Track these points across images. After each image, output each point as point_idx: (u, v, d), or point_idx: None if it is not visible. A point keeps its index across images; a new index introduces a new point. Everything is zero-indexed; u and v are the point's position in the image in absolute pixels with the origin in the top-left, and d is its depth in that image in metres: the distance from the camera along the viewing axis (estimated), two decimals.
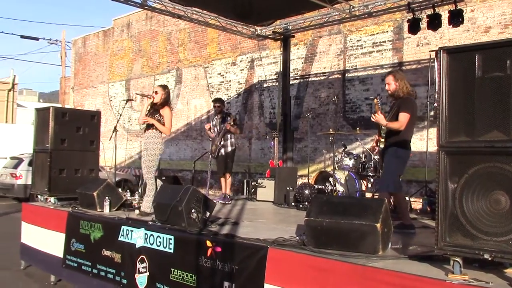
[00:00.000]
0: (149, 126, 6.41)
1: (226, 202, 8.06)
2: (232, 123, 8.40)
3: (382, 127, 5.70)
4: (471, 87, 3.17)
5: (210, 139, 8.75)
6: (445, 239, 3.18)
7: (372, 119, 5.55)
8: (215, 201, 6.02)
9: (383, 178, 5.70)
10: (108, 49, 22.96)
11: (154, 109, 6.46)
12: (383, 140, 5.80)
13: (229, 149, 8.58)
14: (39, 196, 7.53)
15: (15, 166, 14.83)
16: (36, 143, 7.60)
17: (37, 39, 27.75)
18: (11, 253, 7.78)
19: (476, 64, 3.15)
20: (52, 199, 7.18)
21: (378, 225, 3.75)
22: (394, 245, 4.14)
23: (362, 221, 3.83)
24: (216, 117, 8.78)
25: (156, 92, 6.45)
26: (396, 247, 4.12)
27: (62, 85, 26.82)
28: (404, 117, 5.37)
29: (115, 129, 8.33)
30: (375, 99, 5.79)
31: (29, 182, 9.63)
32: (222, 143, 8.52)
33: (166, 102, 6.51)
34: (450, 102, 3.24)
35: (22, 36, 27.16)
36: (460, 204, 3.15)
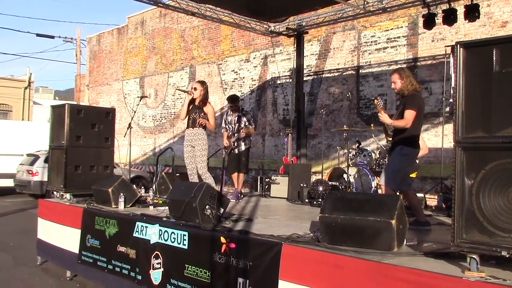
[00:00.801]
0: (195, 123, 6.74)
1: (236, 200, 8.03)
2: (246, 130, 8.41)
3: (388, 125, 5.67)
4: (488, 82, 3.13)
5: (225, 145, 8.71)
6: (461, 235, 3.15)
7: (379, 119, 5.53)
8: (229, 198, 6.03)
9: (384, 174, 5.59)
10: (122, 46, 23.09)
11: (196, 106, 6.74)
12: (390, 139, 5.76)
13: (243, 147, 8.55)
14: (54, 193, 7.59)
15: (32, 163, 15.00)
16: (52, 140, 7.67)
17: (52, 37, 28.04)
18: (27, 249, 7.87)
19: (494, 59, 3.10)
20: (67, 196, 7.24)
21: (393, 221, 3.72)
22: (410, 241, 4.11)
23: (377, 217, 3.80)
24: (230, 112, 8.70)
25: (195, 89, 6.69)
26: (412, 244, 4.09)
27: (77, 83, 27.02)
28: (409, 114, 5.30)
29: (129, 126, 8.38)
30: (375, 100, 5.73)
31: (45, 179, 9.73)
32: (236, 143, 8.49)
33: (206, 98, 6.83)
34: (467, 97, 3.20)
35: (38, 35, 27.45)
36: (477, 201, 3.11)
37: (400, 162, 5.48)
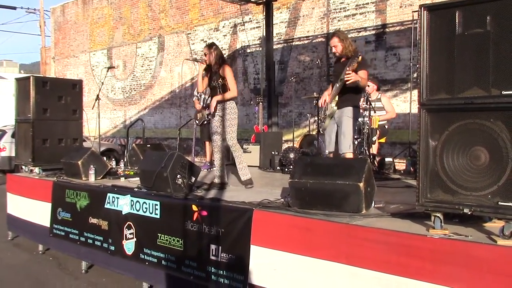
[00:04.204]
0: (216, 92, 5.91)
1: (209, 169, 8.09)
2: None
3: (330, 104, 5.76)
4: (451, 44, 3.16)
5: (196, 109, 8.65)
6: (426, 195, 3.24)
7: (347, 79, 5.43)
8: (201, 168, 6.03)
9: (343, 141, 5.65)
10: (88, 17, 22.50)
11: (213, 72, 5.92)
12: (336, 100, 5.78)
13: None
14: (23, 167, 7.48)
15: None
16: (18, 113, 7.50)
17: (14, 8, 27.14)
18: None
19: (457, 21, 3.14)
20: (36, 169, 7.12)
21: (361, 184, 3.79)
22: (378, 203, 4.21)
23: (345, 181, 3.87)
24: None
25: (205, 54, 5.92)
26: (380, 206, 4.18)
27: (43, 55, 26.33)
28: (364, 74, 5.51)
29: (97, 98, 8.25)
30: (360, 56, 5.77)
31: (14, 154, 9.54)
32: (208, 114, 8.44)
33: (220, 58, 5.91)
34: (430, 59, 3.25)
35: None
36: (441, 161, 3.19)
37: (353, 127, 5.66)
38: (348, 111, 5.64)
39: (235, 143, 5.97)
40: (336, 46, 5.64)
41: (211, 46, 5.97)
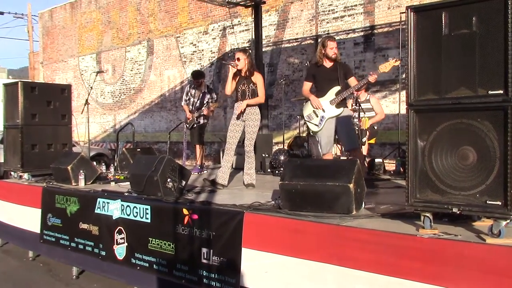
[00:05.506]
0: (245, 96, 6.08)
1: (199, 173, 8.09)
2: (212, 109, 8.55)
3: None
4: (438, 45, 3.20)
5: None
6: (415, 195, 3.26)
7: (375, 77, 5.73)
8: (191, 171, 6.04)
9: (353, 138, 6.05)
10: (76, 21, 22.39)
11: (243, 77, 6.10)
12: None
13: (202, 121, 8.58)
14: (12, 173, 7.43)
15: None
16: (6, 119, 7.45)
17: (1, 13, 27.02)
18: None
19: (443, 22, 3.17)
20: (25, 175, 7.09)
21: (351, 185, 3.81)
22: (368, 204, 4.22)
23: (335, 182, 3.88)
24: (194, 85, 8.66)
25: (238, 59, 6.04)
26: (370, 207, 4.20)
27: (31, 61, 26.16)
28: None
29: (86, 102, 8.21)
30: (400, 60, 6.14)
31: (2, 160, 9.48)
32: (198, 117, 8.50)
33: (252, 66, 6.16)
34: (418, 60, 3.28)
35: None
36: (430, 161, 3.22)
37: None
38: (347, 110, 6.15)
39: (252, 150, 6.25)
40: (336, 48, 5.95)
41: (245, 51, 6.21)
